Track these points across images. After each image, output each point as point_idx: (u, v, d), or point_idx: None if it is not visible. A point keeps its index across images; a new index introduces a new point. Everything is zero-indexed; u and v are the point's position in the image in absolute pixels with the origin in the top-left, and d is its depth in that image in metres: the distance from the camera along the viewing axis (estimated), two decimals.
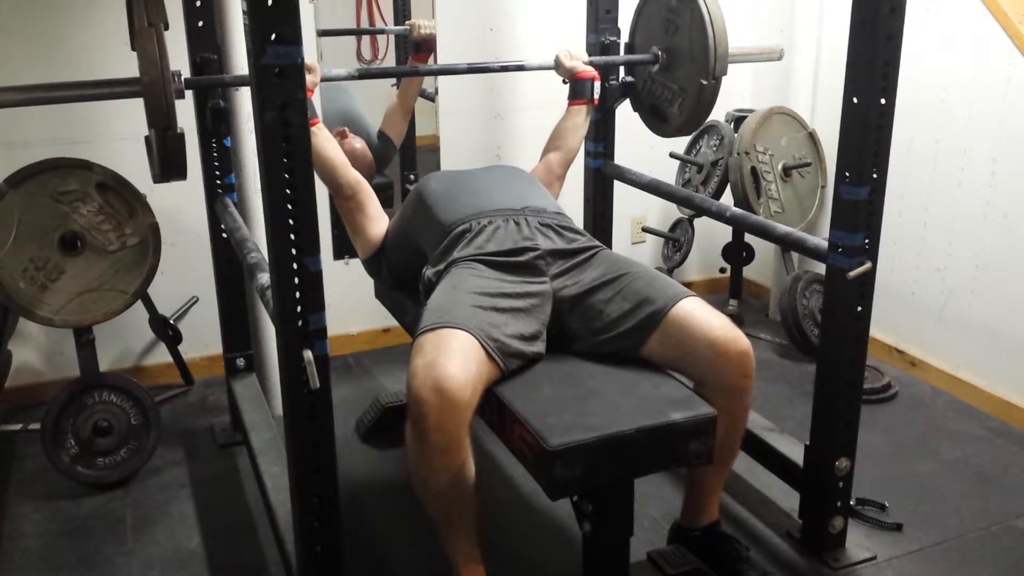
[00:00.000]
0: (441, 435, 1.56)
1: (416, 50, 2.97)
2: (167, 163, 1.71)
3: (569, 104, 2.38)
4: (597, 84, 2.35)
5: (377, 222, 2.18)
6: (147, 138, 1.75)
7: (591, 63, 2.36)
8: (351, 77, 2.21)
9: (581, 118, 2.37)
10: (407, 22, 3.00)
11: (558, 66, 2.34)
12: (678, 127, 2.40)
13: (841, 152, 1.82)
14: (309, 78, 2.00)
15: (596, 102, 2.38)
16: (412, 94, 3.05)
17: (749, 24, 3.46)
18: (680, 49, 2.30)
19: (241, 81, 2.16)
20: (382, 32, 3.12)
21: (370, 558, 2.08)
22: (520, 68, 2.44)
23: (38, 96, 1.82)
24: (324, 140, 2.06)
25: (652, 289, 1.80)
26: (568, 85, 2.37)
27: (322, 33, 2.88)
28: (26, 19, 2.57)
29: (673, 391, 1.69)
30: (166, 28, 1.70)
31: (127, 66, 2.70)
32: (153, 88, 1.63)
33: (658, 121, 2.47)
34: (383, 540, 2.15)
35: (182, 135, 1.70)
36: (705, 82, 2.20)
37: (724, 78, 2.25)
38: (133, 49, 1.71)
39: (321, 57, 2.88)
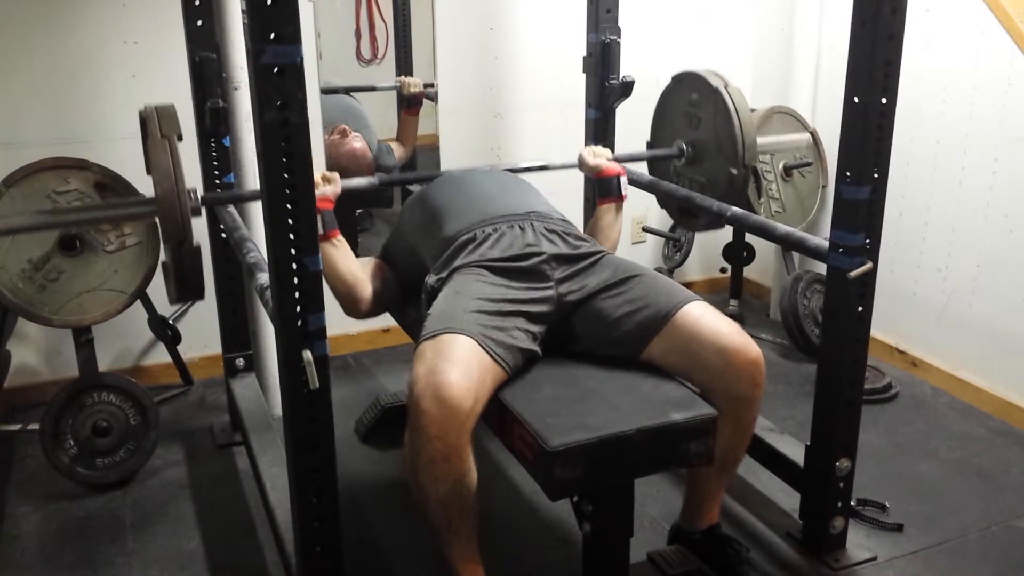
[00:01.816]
0: (441, 444, 1.55)
1: (408, 105, 3.05)
2: (183, 281, 1.65)
3: (599, 203, 2.26)
4: (624, 179, 2.24)
5: (395, 294, 2.14)
6: (163, 264, 1.69)
7: (616, 159, 2.28)
8: (372, 186, 2.17)
9: (612, 216, 2.23)
10: (396, 80, 3.09)
11: (582, 164, 2.27)
12: (709, 221, 2.36)
13: (842, 152, 1.82)
14: (329, 188, 1.98)
15: (625, 197, 2.25)
16: (411, 137, 3.13)
17: (749, 24, 3.46)
18: (705, 141, 2.29)
19: (254, 196, 2.09)
20: (373, 90, 3.18)
21: (370, 558, 2.08)
22: (543, 168, 2.35)
23: (51, 221, 1.82)
24: (344, 255, 1.98)
25: (657, 293, 1.78)
26: (595, 183, 2.30)
27: (326, 91, 2.90)
28: (26, 15, 2.56)
29: (673, 391, 1.68)
30: (180, 140, 1.67)
31: (126, 65, 2.71)
32: (166, 201, 1.56)
33: (688, 217, 2.45)
34: (383, 540, 2.15)
35: (198, 248, 1.65)
36: (735, 171, 2.18)
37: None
38: (148, 173, 1.66)
39: (321, 56, 2.88)
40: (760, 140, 2.19)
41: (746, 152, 2.17)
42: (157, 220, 1.61)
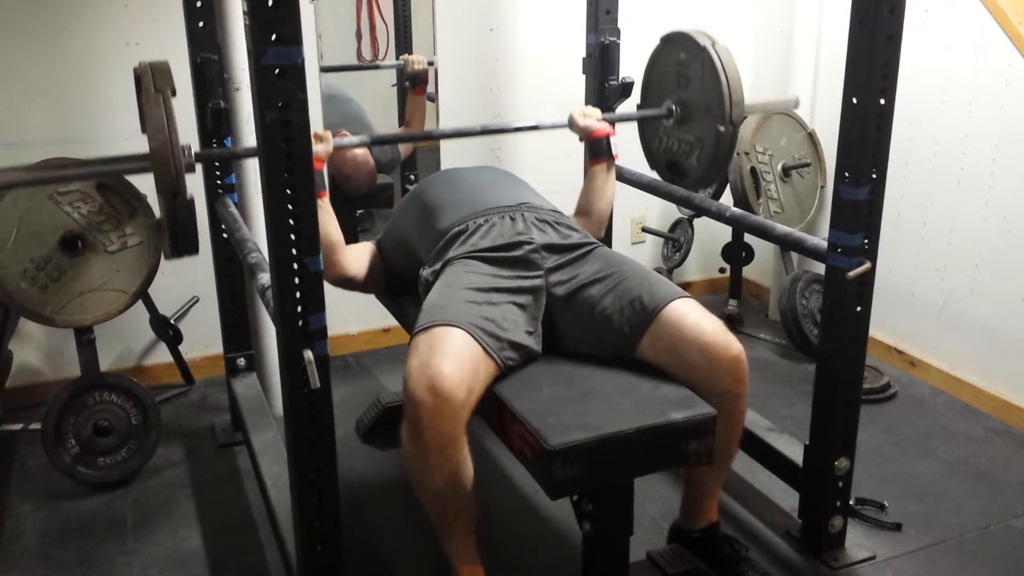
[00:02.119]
0: (436, 434, 1.56)
1: (412, 84, 3.01)
2: (177, 235, 1.64)
3: (590, 164, 2.30)
4: (614, 139, 2.27)
5: (378, 280, 2.18)
6: (158, 220, 1.70)
7: (606, 119, 2.30)
8: (364, 144, 2.19)
9: (604, 177, 2.28)
10: (400, 58, 3.06)
11: (572, 125, 2.28)
12: (698, 179, 2.36)
13: (840, 152, 1.83)
14: (320, 147, 1.98)
15: (616, 157, 2.29)
16: (419, 117, 3.10)
17: (749, 24, 3.47)
18: (694, 101, 2.28)
19: (252, 153, 2.09)
20: (377, 67, 3.15)
21: (370, 558, 2.08)
22: (535, 128, 2.36)
23: (43, 177, 1.80)
24: (325, 217, 2.00)
25: (645, 288, 1.79)
26: (585, 144, 2.32)
27: (325, 70, 2.89)
28: (28, 17, 2.57)
29: (673, 391, 1.69)
30: (174, 95, 1.67)
31: (128, 67, 2.71)
32: (160, 154, 1.56)
33: (676, 176, 2.44)
34: (383, 540, 2.16)
35: (192, 203, 1.64)
36: (723, 128, 2.18)
37: None
38: (143, 131, 1.66)
39: (322, 56, 2.88)
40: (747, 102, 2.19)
41: (733, 109, 2.17)
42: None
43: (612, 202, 2.33)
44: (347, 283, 2.14)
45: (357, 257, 2.15)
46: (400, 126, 3.20)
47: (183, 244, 1.67)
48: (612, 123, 2.31)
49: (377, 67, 3.15)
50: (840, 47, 1.81)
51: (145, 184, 2.32)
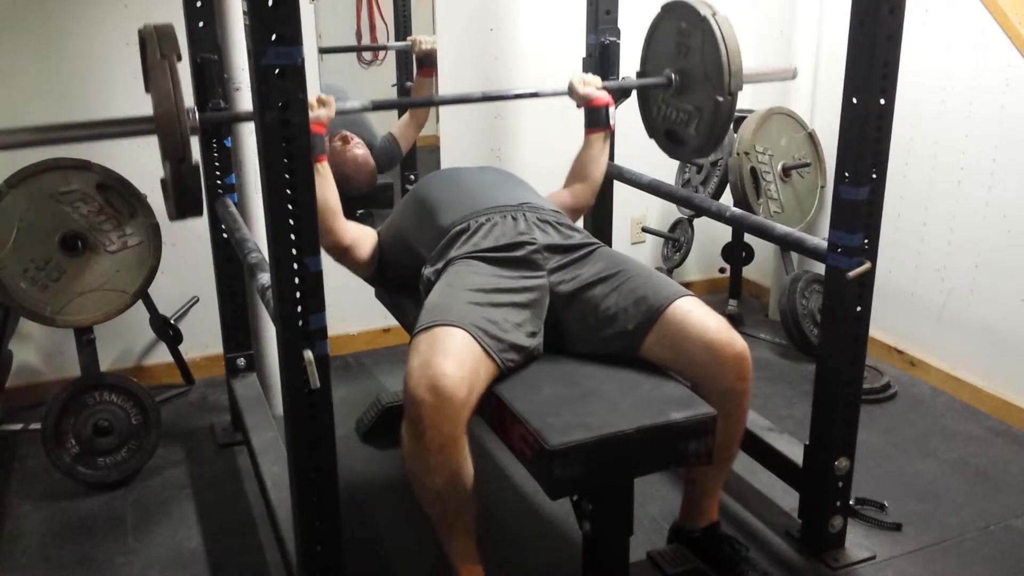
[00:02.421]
0: (437, 434, 1.57)
1: (420, 65, 3.00)
2: (182, 198, 1.67)
3: (587, 133, 2.34)
4: (612, 109, 2.31)
5: (371, 263, 2.18)
6: (163, 181, 1.72)
7: (605, 88, 2.33)
8: (365, 109, 2.19)
9: (600, 146, 2.33)
10: (408, 38, 3.02)
11: (571, 92, 2.31)
12: (696, 148, 2.37)
13: (840, 152, 1.83)
14: (323, 111, 2.00)
15: (613, 127, 2.34)
16: (422, 111, 3.08)
17: (749, 24, 3.46)
18: (693, 70, 2.29)
19: (251, 116, 2.11)
20: (384, 48, 3.13)
21: (370, 558, 2.08)
22: (534, 95, 2.40)
23: (49, 137, 1.80)
24: (325, 181, 2.02)
25: (649, 287, 1.79)
26: (584, 112, 2.34)
27: (324, 51, 2.88)
28: (27, 17, 2.57)
29: (673, 391, 1.69)
30: (179, 60, 1.68)
31: (128, 67, 2.71)
32: (167, 119, 1.58)
33: (675, 145, 2.45)
34: (383, 540, 2.16)
35: (197, 167, 1.67)
36: (721, 99, 2.19)
37: None
38: (147, 91, 1.68)
39: (322, 58, 2.88)
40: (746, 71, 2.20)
41: (732, 79, 2.17)
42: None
43: (605, 170, 2.38)
44: (341, 253, 2.14)
45: (356, 232, 2.16)
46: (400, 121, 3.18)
47: (188, 207, 1.68)
48: (612, 92, 2.34)
49: (384, 48, 3.14)
50: (840, 47, 1.81)
51: (145, 184, 2.33)
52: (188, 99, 1.71)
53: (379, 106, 2.30)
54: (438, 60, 2.99)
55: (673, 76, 2.35)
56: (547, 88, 2.37)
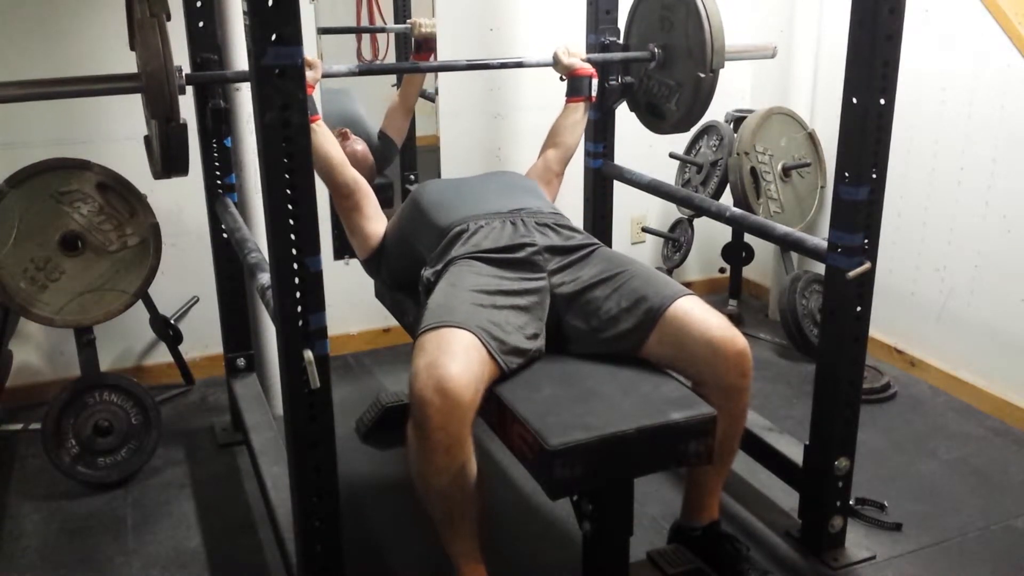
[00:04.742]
0: (443, 435, 1.57)
1: (417, 49, 2.97)
2: (169, 157, 1.66)
3: (567, 101, 2.40)
4: (595, 81, 2.37)
5: (375, 222, 2.19)
6: (146, 138, 1.72)
7: (589, 60, 2.38)
8: (352, 73, 2.21)
9: (579, 115, 2.40)
10: (408, 21, 3.01)
11: (556, 63, 2.36)
12: (675, 123, 2.40)
13: (840, 152, 1.83)
14: (310, 74, 2.00)
15: (594, 99, 2.41)
16: (413, 93, 3.05)
17: (748, 24, 3.47)
18: (677, 45, 2.31)
19: (243, 77, 2.15)
20: (383, 31, 3.13)
21: (370, 558, 2.08)
22: (519, 65, 2.46)
23: (38, 91, 1.80)
24: (324, 138, 2.07)
25: (650, 287, 1.80)
26: (566, 82, 2.39)
27: (323, 31, 2.89)
28: (27, 17, 2.57)
29: (673, 391, 1.69)
30: (168, 19, 1.68)
31: (128, 67, 2.70)
32: (155, 78, 1.57)
33: (655, 118, 2.48)
34: (383, 540, 2.16)
35: (185, 126, 1.65)
36: (703, 75, 2.21)
37: (723, 79, 2.25)
38: (132, 49, 1.68)
39: (322, 57, 2.88)
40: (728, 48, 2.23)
41: (714, 56, 2.20)
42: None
43: (579, 139, 2.45)
44: (354, 203, 2.14)
45: (368, 189, 2.16)
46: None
47: (174, 165, 1.67)
48: (595, 65, 2.40)
49: (383, 30, 3.14)
50: (840, 46, 1.81)
51: (145, 184, 2.33)
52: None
53: (365, 71, 2.35)
54: (438, 60, 2.99)
55: (656, 50, 2.37)
56: (532, 58, 2.41)
